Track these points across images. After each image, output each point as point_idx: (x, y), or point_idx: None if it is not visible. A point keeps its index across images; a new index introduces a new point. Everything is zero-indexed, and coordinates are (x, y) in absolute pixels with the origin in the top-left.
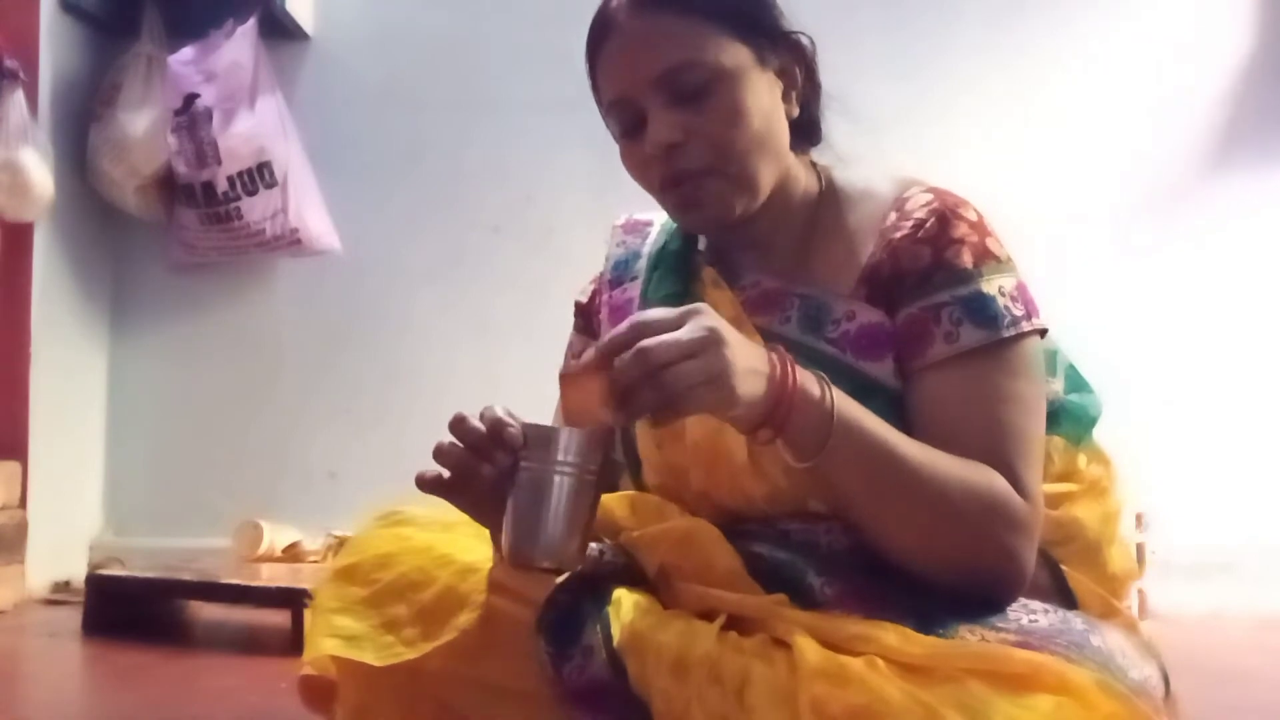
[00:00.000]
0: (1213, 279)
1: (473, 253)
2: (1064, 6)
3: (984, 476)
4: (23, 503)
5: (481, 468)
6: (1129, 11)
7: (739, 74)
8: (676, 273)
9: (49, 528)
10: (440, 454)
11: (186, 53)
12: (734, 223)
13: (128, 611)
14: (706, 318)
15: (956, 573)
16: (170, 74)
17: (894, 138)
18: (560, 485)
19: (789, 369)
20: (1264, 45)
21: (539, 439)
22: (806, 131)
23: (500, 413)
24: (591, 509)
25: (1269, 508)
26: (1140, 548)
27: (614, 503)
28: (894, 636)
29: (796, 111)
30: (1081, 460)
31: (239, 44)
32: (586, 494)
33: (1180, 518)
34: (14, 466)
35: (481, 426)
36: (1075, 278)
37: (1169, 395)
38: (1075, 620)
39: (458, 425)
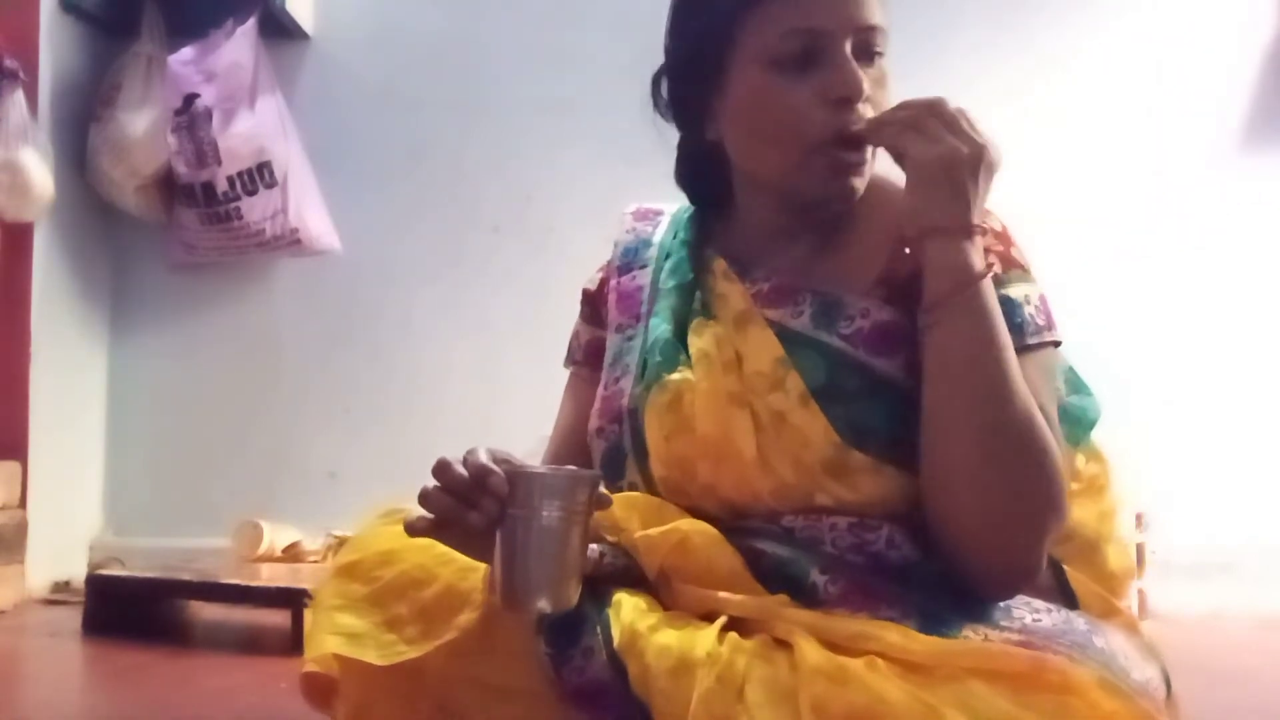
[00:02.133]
0: (1213, 279)
1: (472, 252)
2: (1064, 3)
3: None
4: (23, 503)
5: (469, 516)
6: (1128, 10)
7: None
8: (687, 263)
9: (49, 528)
10: (425, 499)
11: (186, 53)
12: (854, 190)
13: (128, 611)
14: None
15: (989, 533)
16: (170, 74)
17: None
18: (549, 530)
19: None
20: (1270, 42)
21: (525, 484)
22: None
23: (484, 458)
24: (582, 549)
25: (1269, 508)
26: (1140, 547)
27: (615, 503)
28: (896, 635)
29: None
30: (1080, 460)
31: (239, 44)
32: (576, 535)
33: (1180, 518)
34: (14, 466)
35: (465, 473)
36: (1075, 277)
37: (1169, 395)
38: (1078, 621)
39: (442, 472)
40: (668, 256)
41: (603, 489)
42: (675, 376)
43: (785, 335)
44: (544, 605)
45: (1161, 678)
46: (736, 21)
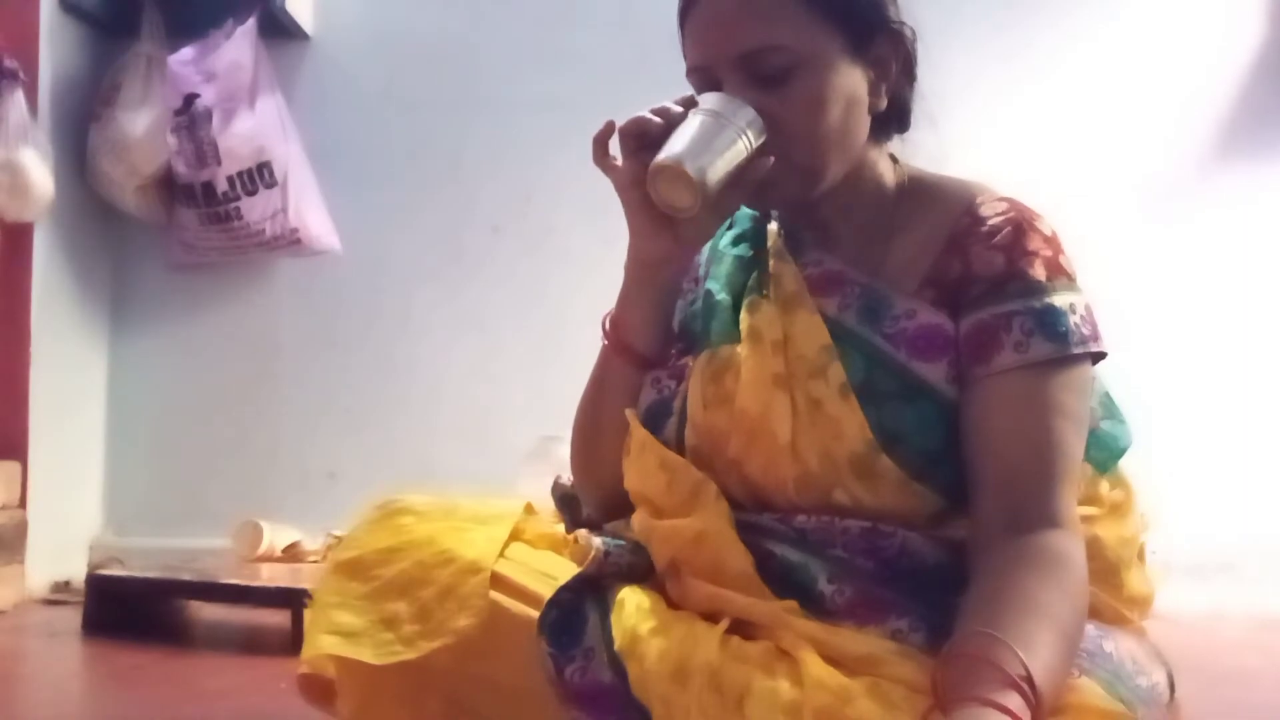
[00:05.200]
0: (1212, 277)
1: (472, 252)
2: (1062, 3)
3: (1074, 588)
4: (23, 503)
5: (652, 123)
6: (1125, 10)
7: (824, 63)
8: (749, 237)
9: (49, 528)
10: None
11: (186, 53)
12: (790, 203)
13: (128, 611)
14: None
15: None
16: (170, 74)
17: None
18: (726, 132)
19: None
20: (1268, 40)
21: (718, 97)
22: (894, 121)
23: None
24: (740, 170)
25: (1269, 508)
26: (1141, 547)
27: (652, 472)
28: (906, 668)
29: (884, 105)
30: (1104, 486)
31: (239, 44)
32: (742, 154)
33: (1180, 518)
34: (14, 466)
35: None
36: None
37: (1169, 394)
38: (1089, 627)
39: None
40: (730, 226)
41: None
42: (725, 349)
43: (830, 326)
44: (694, 172)
45: (1167, 682)
46: (684, 56)
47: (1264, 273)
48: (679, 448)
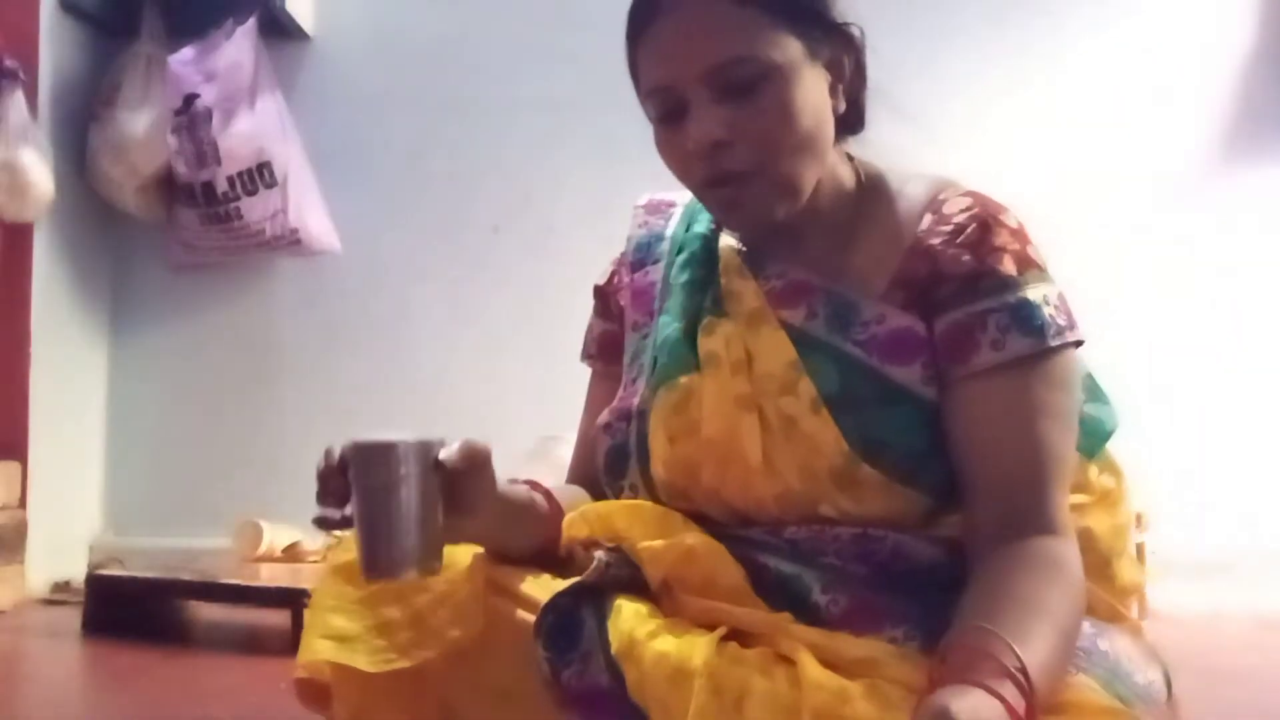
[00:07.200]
0: (1211, 278)
1: (472, 252)
2: (1061, 4)
3: (1071, 589)
4: (23, 503)
5: (327, 503)
6: (1126, 9)
7: (791, 70)
8: (701, 258)
9: (49, 528)
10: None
11: (186, 53)
12: (767, 223)
13: (128, 611)
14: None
15: None
16: (170, 74)
17: (891, 138)
18: (394, 496)
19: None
20: (1264, 41)
21: (360, 456)
22: (850, 121)
23: (335, 447)
24: (434, 513)
25: (1268, 508)
26: (1140, 547)
27: (617, 513)
28: (904, 668)
29: (843, 107)
30: (1093, 472)
31: (239, 44)
32: (425, 498)
33: (1180, 518)
34: (14, 466)
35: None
36: (1071, 277)
37: (1169, 395)
38: (1084, 625)
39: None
40: (680, 250)
41: (444, 454)
42: (683, 379)
43: (798, 338)
44: (407, 572)
45: (1164, 680)
46: (634, 79)
47: (1262, 274)
48: (647, 485)
